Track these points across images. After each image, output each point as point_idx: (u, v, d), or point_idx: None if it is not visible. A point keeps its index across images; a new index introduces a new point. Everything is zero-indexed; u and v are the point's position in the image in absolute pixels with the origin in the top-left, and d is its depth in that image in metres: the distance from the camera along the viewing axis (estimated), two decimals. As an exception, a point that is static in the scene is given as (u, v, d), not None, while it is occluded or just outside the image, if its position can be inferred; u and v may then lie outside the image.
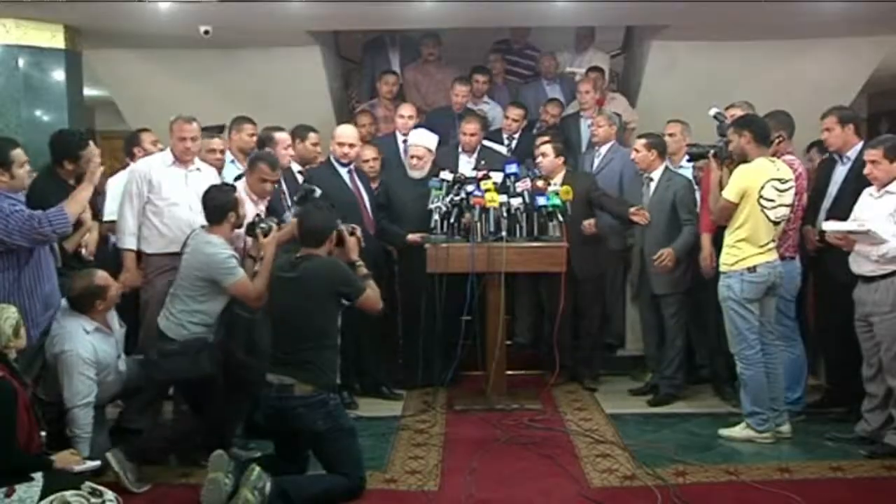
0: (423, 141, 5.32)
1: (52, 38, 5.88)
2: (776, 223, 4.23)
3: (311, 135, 5.36)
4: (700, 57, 6.61)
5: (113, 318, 4.10)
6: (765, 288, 4.26)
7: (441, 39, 6.90)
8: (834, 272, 4.39)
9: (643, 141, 5.14)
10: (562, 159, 5.35)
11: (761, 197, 4.17)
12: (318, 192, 4.59)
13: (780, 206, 4.22)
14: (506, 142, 6.03)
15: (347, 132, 5.23)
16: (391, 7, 5.70)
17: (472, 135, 5.62)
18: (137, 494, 3.67)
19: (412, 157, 5.27)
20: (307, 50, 6.66)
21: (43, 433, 3.45)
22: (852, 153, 4.48)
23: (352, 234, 4.02)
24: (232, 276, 3.95)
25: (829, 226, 4.21)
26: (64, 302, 3.92)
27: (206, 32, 5.93)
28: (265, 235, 4.09)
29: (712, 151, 4.48)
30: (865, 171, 4.13)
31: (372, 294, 3.84)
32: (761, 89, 6.04)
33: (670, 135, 5.31)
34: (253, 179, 4.48)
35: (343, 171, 5.16)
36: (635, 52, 7.35)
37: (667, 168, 5.13)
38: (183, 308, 4.01)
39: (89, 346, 3.82)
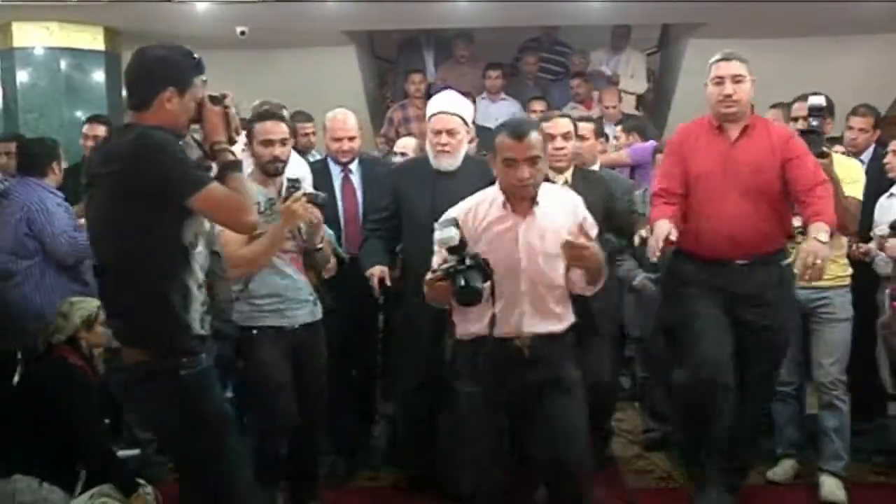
0: (455, 107, 3.52)
1: (93, 39, 6.01)
2: None
3: (306, 125, 4.79)
4: (738, 55, 6.53)
5: None
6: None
7: (473, 39, 6.90)
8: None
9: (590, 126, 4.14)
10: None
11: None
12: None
13: None
14: None
15: (340, 123, 4.10)
16: (426, 6, 5.73)
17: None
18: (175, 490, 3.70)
19: (438, 132, 3.47)
20: (342, 50, 6.71)
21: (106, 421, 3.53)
22: (866, 156, 4.17)
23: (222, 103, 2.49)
24: None
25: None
26: None
27: (243, 33, 6.01)
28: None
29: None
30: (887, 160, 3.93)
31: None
32: (800, 88, 5.86)
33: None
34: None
35: (335, 172, 4.10)
36: (671, 51, 7.29)
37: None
38: None
39: None
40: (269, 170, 3.23)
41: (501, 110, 6.43)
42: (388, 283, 3.37)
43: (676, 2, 5.62)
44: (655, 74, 7.78)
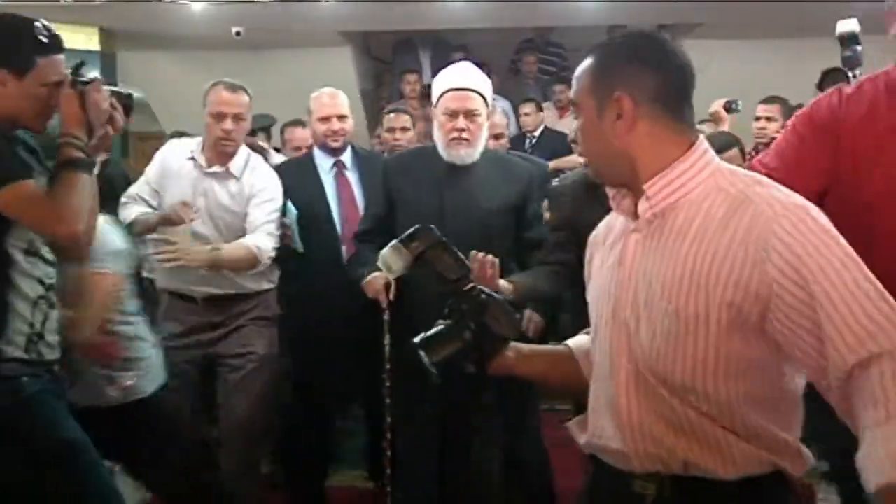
0: (474, 81, 2.66)
1: (88, 40, 6.01)
2: None
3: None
4: (735, 56, 6.51)
5: None
6: None
7: (469, 48, 6.85)
8: None
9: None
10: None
11: None
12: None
13: None
14: (527, 143, 5.93)
15: (327, 99, 3.34)
16: (421, 7, 5.71)
17: None
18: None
19: (453, 114, 2.61)
20: (338, 50, 6.70)
21: None
22: None
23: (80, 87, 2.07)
24: None
25: None
26: None
27: (238, 34, 6.00)
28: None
29: None
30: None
31: None
32: (798, 88, 5.92)
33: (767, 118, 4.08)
34: None
35: (325, 165, 3.31)
36: (668, 51, 7.29)
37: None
38: None
39: None
40: None
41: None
42: (391, 297, 2.66)
43: (674, 2, 5.60)
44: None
